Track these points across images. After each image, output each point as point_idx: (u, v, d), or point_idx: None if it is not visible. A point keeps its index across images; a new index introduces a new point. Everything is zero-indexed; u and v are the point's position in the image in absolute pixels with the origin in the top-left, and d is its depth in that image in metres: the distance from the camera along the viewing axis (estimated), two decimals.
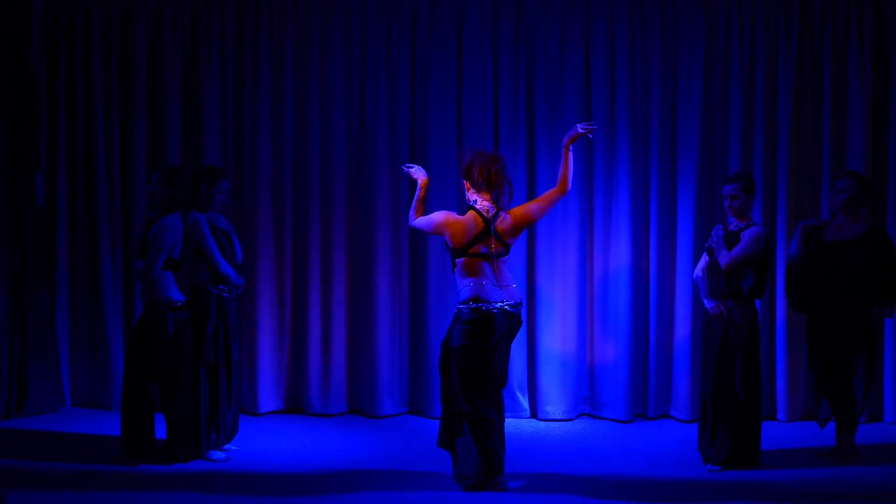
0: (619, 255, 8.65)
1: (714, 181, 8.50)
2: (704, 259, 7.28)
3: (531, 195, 8.65)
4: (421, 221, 6.77)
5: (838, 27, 8.57)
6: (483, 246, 6.57)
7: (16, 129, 8.57)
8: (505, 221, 6.62)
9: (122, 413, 7.27)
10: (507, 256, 6.67)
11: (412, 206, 6.85)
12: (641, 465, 7.30)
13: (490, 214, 6.59)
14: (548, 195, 6.76)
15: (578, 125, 6.65)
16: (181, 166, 8.47)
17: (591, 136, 6.69)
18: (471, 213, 6.62)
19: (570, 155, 6.64)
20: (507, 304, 6.57)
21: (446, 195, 8.65)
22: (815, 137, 8.63)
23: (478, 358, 6.52)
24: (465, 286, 6.57)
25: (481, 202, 6.62)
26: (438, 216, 6.68)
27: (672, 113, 8.67)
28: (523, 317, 8.42)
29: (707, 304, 7.19)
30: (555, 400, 8.69)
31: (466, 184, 6.69)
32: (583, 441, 8.07)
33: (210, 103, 8.75)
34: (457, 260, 6.61)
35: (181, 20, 8.79)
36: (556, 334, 8.69)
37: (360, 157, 8.82)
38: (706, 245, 7.27)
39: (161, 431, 7.32)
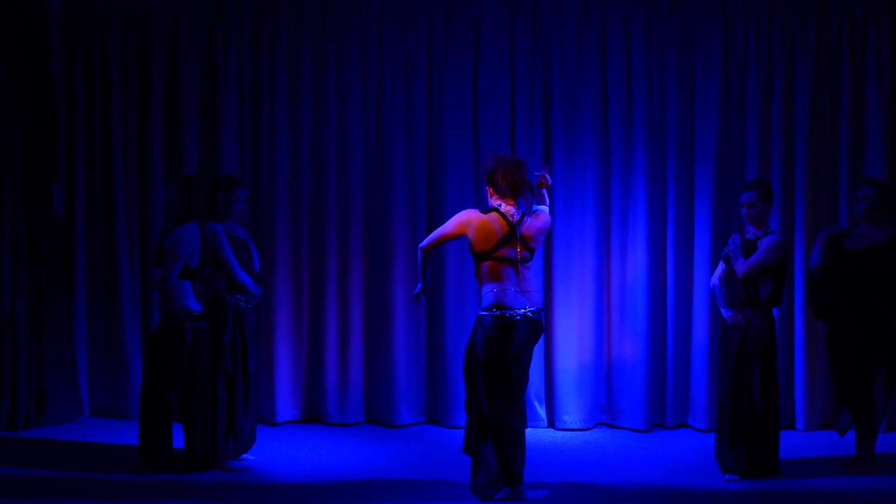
0: (636, 263, 8.63)
1: (731, 189, 8.48)
2: (721, 267, 7.25)
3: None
4: (437, 231, 6.68)
5: (855, 32, 8.54)
6: (509, 250, 6.55)
7: (34, 139, 8.61)
8: (530, 226, 6.62)
9: (139, 423, 7.29)
10: (531, 262, 6.66)
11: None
12: (659, 475, 7.27)
13: (515, 219, 6.58)
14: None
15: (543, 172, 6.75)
16: (198, 175, 8.49)
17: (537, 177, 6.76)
18: (495, 214, 6.58)
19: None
20: (529, 311, 6.56)
21: (463, 202, 8.64)
22: (833, 144, 8.60)
23: (500, 364, 6.52)
24: (488, 292, 6.55)
25: (505, 206, 6.61)
26: (461, 215, 6.61)
27: (689, 119, 8.65)
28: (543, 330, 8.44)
29: (724, 313, 7.16)
30: (572, 409, 8.67)
31: (490, 190, 6.67)
32: (600, 451, 8.05)
33: (227, 113, 8.77)
34: (481, 264, 6.59)
35: (198, 31, 8.81)
36: (573, 343, 8.68)
37: (377, 164, 8.82)
38: (723, 253, 7.25)
39: (179, 441, 7.33)
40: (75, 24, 8.88)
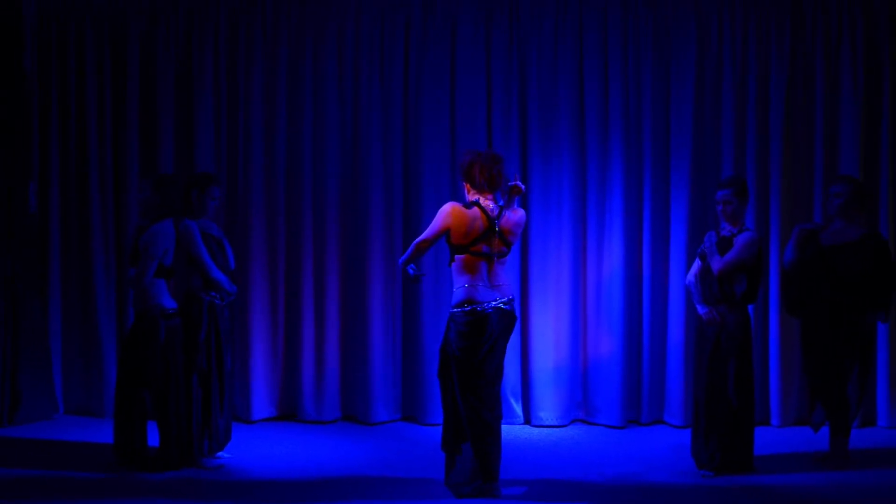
0: (613, 259, 8.65)
1: (707, 186, 8.51)
2: (697, 264, 7.28)
3: (524, 197, 8.66)
4: (429, 230, 6.59)
5: (830, 31, 8.58)
6: (485, 245, 6.56)
7: (8, 136, 8.56)
8: (508, 220, 6.63)
9: (114, 421, 7.26)
10: (506, 257, 6.68)
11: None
12: (635, 471, 7.29)
13: (494, 213, 6.60)
14: None
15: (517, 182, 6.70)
16: (174, 173, 8.47)
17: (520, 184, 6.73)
18: (476, 209, 6.58)
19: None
20: (500, 303, 6.58)
21: (440, 199, 8.63)
22: (808, 142, 8.64)
23: (475, 360, 6.53)
24: (459, 287, 6.57)
25: (483, 201, 6.62)
26: (446, 209, 6.57)
27: (665, 117, 8.68)
28: (516, 321, 8.42)
29: (700, 309, 7.18)
30: (548, 406, 8.68)
31: (467, 185, 6.67)
32: (577, 447, 8.06)
33: (203, 110, 8.74)
34: (455, 256, 6.60)
35: (174, 27, 8.78)
36: (550, 340, 8.69)
37: (354, 162, 8.81)
38: (699, 250, 7.27)
39: (154, 439, 7.31)
40: (50, 21, 8.83)
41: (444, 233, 6.59)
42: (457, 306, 6.57)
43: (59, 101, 8.86)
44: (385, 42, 8.77)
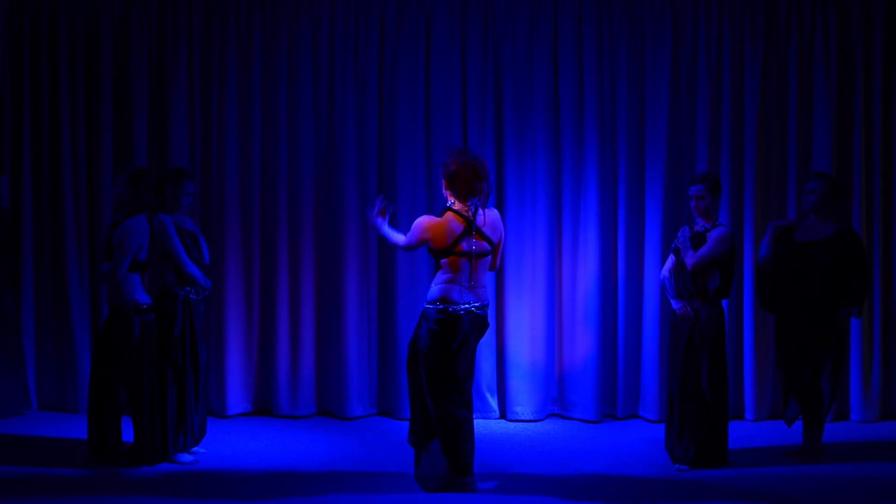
0: (588, 254, 8.67)
1: (682, 183, 8.52)
2: (671, 260, 7.30)
3: (500, 194, 8.67)
4: (407, 240, 6.66)
5: (804, 28, 8.62)
6: (464, 242, 6.57)
7: None
8: (486, 217, 6.66)
9: (88, 416, 7.23)
10: (488, 258, 6.68)
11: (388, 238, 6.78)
12: (610, 466, 7.31)
13: (470, 213, 6.61)
14: None
15: None
16: (148, 168, 8.42)
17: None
18: (449, 213, 6.61)
19: None
20: (473, 306, 6.58)
21: (415, 195, 8.65)
22: (781, 138, 8.68)
23: (444, 357, 6.54)
24: (438, 284, 6.59)
25: (458, 205, 6.63)
26: (420, 226, 6.60)
27: (640, 114, 8.70)
28: (492, 317, 8.46)
29: (674, 304, 7.21)
30: (524, 400, 8.69)
31: (445, 182, 6.68)
32: (552, 442, 8.08)
33: (177, 105, 8.70)
34: (439, 260, 6.62)
35: (148, 21, 8.73)
36: (525, 335, 8.70)
37: (329, 157, 8.80)
38: (672, 246, 7.30)
39: (128, 434, 7.28)
40: (22, 14, 8.76)
41: (423, 245, 6.62)
42: (431, 303, 6.59)
43: (32, 94, 8.79)
44: (360, 36, 8.74)
